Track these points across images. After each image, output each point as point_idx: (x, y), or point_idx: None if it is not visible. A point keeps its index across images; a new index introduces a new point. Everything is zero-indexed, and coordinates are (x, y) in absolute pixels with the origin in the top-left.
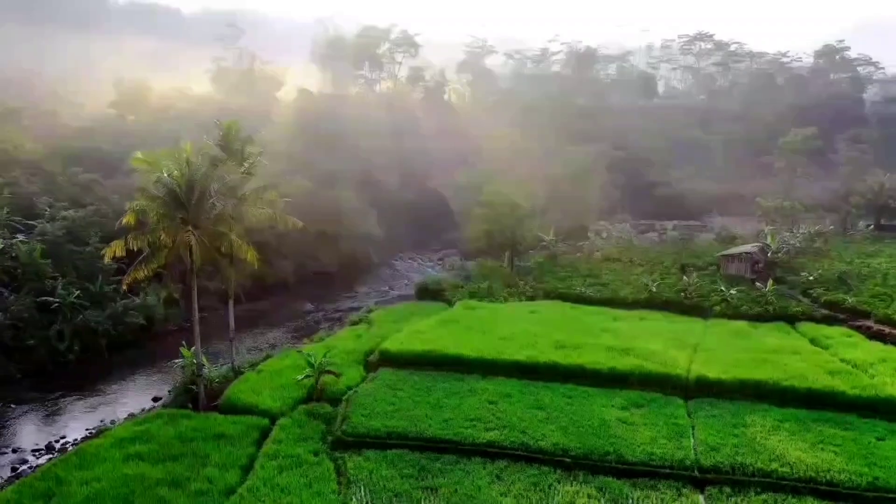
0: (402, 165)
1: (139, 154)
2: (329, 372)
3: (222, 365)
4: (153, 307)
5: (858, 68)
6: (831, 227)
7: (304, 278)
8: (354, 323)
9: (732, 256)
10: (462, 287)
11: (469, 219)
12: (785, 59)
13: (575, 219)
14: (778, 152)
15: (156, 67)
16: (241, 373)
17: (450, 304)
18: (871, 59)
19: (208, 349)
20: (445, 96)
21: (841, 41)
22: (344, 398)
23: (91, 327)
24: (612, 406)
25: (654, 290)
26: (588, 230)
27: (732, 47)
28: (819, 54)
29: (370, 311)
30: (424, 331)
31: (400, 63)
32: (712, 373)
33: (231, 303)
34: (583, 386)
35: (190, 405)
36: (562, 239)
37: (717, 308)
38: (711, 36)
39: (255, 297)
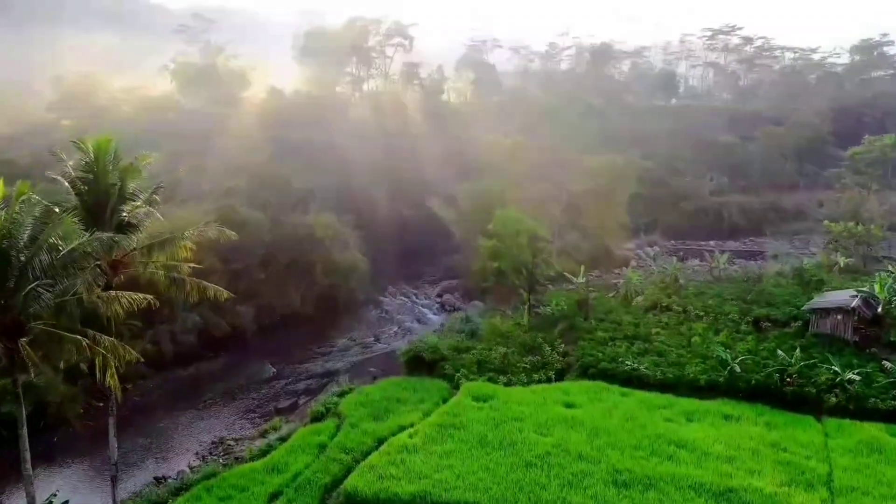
0: (392, 179)
1: None
2: None
3: None
4: None
5: None
6: None
7: (268, 326)
8: (316, 417)
9: (827, 310)
10: (468, 351)
11: (473, 249)
12: (816, 56)
13: (598, 241)
14: (848, 164)
15: (115, 64)
16: None
17: (451, 382)
18: None
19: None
20: (444, 96)
21: (885, 34)
22: None
23: None
24: None
25: (735, 366)
26: (613, 254)
27: (758, 42)
28: (856, 50)
29: (342, 392)
30: (415, 446)
31: (391, 58)
32: None
33: (112, 421)
34: None
35: None
36: (586, 267)
37: (834, 400)
38: (740, 29)
39: (195, 358)
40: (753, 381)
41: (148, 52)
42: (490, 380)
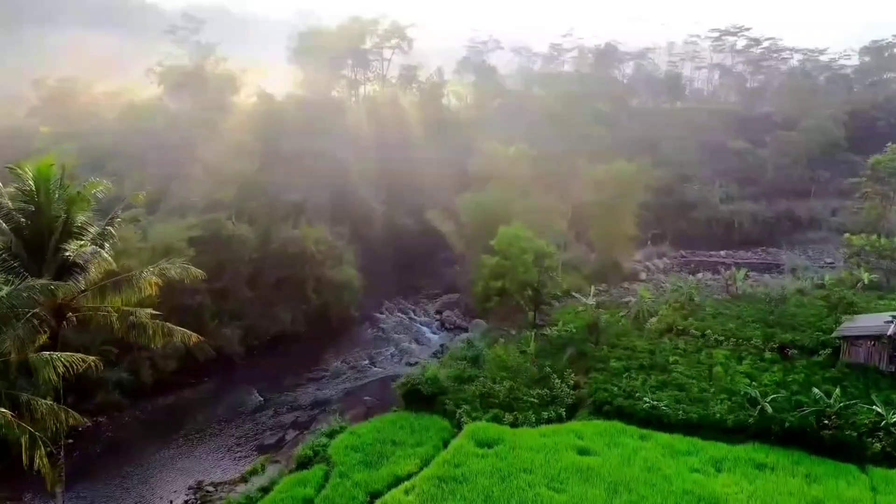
0: (389, 187)
1: None
2: None
3: None
4: None
5: None
6: None
7: (256, 348)
8: (303, 463)
9: (861, 337)
10: (471, 381)
11: (474, 264)
12: (823, 58)
13: (605, 253)
14: (870, 173)
15: (104, 66)
16: None
17: (452, 419)
18: None
19: None
20: (444, 100)
21: None
22: None
23: None
24: None
25: (766, 406)
26: (621, 266)
27: (765, 43)
28: (865, 51)
29: (331, 431)
30: None
31: (389, 60)
32: None
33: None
34: None
35: None
36: (593, 280)
37: (878, 446)
38: (747, 30)
39: (177, 385)
40: (787, 423)
41: (139, 53)
42: (495, 418)
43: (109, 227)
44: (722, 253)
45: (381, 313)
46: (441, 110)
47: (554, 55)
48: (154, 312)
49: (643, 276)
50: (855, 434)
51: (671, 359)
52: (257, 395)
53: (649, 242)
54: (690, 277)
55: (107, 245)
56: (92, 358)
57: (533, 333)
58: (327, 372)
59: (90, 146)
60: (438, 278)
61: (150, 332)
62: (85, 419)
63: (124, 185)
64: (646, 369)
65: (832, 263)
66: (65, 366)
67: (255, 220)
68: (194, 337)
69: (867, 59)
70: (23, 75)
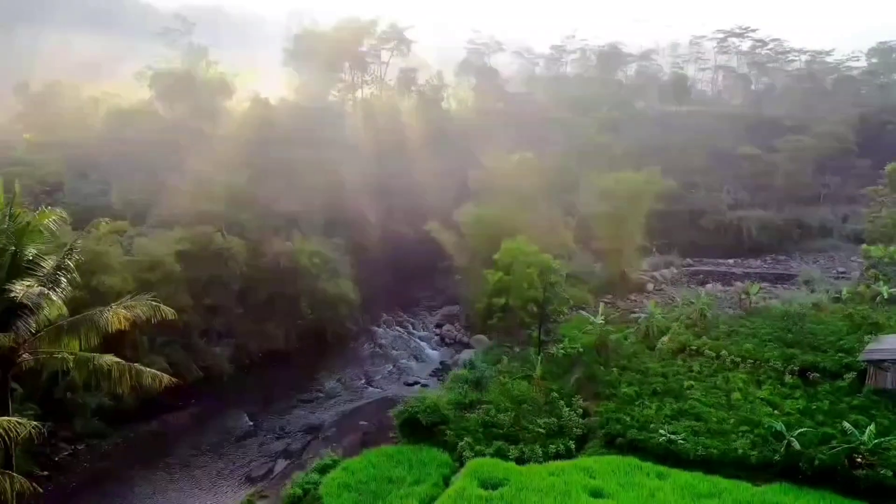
0: (386, 195)
1: None
2: None
3: None
4: None
5: None
6: None
7: (247, 367)
8: (293, 503)
9: (887, 361)
10: (473, 408)
11: (475, 276)
12: (829, 59)
13: (612, 264)
14: (888, 180)
15: (95, 68)
16: None
17: (453, 452)
18: None
19: None
20: (444, 103)
21: None
22: None
23: None
24: None
25: (793, 442)
26: (628, 277)
27: (771, 44)
28: (873, 52)
29: (323, 466)
30: None
31: (387, 64)
32: None
33: None
34: None
35: None
36: (598, 292)
37: None
38: (754, 31)
39: (162, 409)
40: (815, 460)
41: (132, 54)
42: (499, 451)
43: (67, 260)
44: (730, 261)
45: (379, 327)
46: (441, 115)
47: (556, 57)
48: (117, 360)
49: (650, 287)
50: (891, 473)
51: (686, 384)
52: (247, 419)
53: (655, 250)
54: (700, 290)
55: (64, 280)
56: (33, 424)
57: (539, 356)
58: (321, 393)
59: (75, 155)
60: (438, 289)
61: (116, 376)
62: (33, 485)
63: (109, 196)
64: (659, 396)
65: (845, 273)
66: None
67: (247, 233)
68: (165, 379)
69: (875, 60)
70: (13, 78)
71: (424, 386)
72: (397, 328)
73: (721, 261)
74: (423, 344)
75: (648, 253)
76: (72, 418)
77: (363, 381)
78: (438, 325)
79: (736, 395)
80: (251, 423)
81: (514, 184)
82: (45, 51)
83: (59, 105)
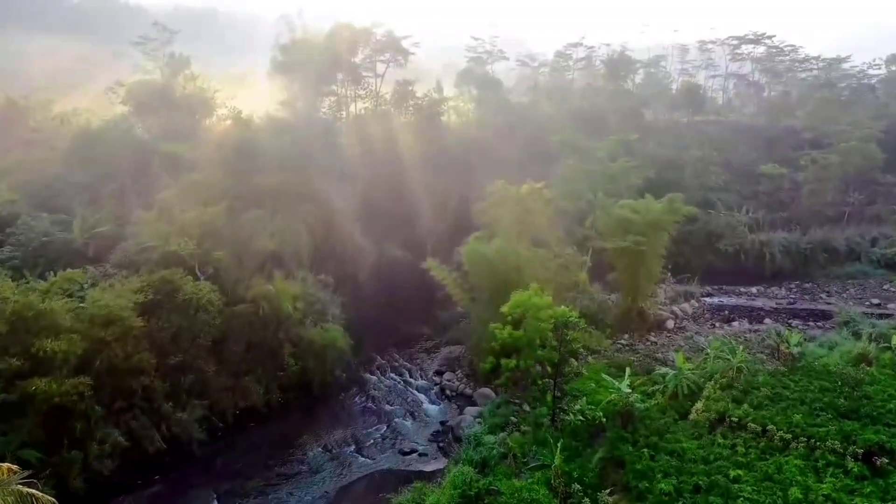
0: (381, 220)
1: None
2: None
3: None
4: None
5: None
6: None
7: (220, 431)
8: None
9: None
10: (480, 500)
11: (478, 323)
12: (846, 65)
13: (629, 300)
14: None
15: (75, 76)
16: None
17: None
18: None
19: None
20: (443, 118)
21: None
22: None
23: None
24: None
25: None
26: (646, 315)
27: (787, 52)
28: (893, 59)
29: None
30: None
31: (382, 77)
32: None
33: None
34: None
35: None
36: (615, 331)
37: None
38: (770, 38)
39: (117, 490)
40: None
41: (117, 59)
42: None
43: None
44: (753, 290)
45: (372, 374)
46: (440, 131)
47: (561, 65)
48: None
49: (671, 324)
50: None
51: (732, 473)
52: (215, 499)
53: (670, 276)
54: (727, 331)
55: None
56: None
57: (553, 424)
58: (304, 465)
59: (34, 181)
60: (436, 323)
61: None
62: None
63: (70, 230)
64: (703, 494)
65: (879, 305)
66: None
67: (223, 273)
68: None
69: (894, 68)
70: None
71: (423, 455)
72: (392, 375)
73: (743, 289)
74: (421, 396)
75: (663, 279)
76: None
77: (352, 448)
78: (438, 372)
79: (794, 490)
80: None
81: (520, 217)
82: (28, 57)
83: (23, 123)
